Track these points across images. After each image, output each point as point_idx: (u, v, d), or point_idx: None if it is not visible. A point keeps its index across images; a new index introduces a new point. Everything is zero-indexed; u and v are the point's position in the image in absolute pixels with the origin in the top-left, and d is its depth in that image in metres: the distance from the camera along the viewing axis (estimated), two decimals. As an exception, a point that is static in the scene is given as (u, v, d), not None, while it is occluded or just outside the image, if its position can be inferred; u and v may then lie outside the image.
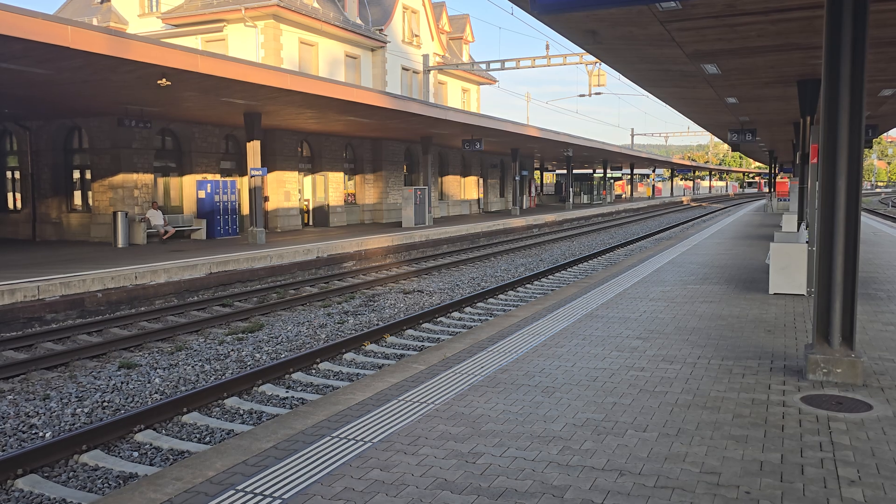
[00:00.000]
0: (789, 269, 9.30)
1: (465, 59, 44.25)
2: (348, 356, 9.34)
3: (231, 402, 7.46)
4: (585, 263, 19.81)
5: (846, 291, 5.36)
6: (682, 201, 66.65)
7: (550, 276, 17.20)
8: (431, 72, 38.91)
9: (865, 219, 30.14)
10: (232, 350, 9.60)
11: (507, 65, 34.37)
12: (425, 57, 37.86)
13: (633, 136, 73.54)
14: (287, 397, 7.67)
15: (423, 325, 11.34)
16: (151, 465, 5.86)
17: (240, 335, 10.45)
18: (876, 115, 21.56)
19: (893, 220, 37.71)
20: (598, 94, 32.33)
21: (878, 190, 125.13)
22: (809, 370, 5.45)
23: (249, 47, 28.69)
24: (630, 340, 6.98)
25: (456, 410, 4.94)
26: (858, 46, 5.21)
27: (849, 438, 4.23)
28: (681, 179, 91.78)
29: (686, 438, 4.28)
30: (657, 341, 6.92)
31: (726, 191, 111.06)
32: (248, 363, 9.05)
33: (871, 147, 26.86)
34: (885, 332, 7.21)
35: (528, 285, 15.78)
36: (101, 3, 33.99)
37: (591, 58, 26.28)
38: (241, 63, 14.71)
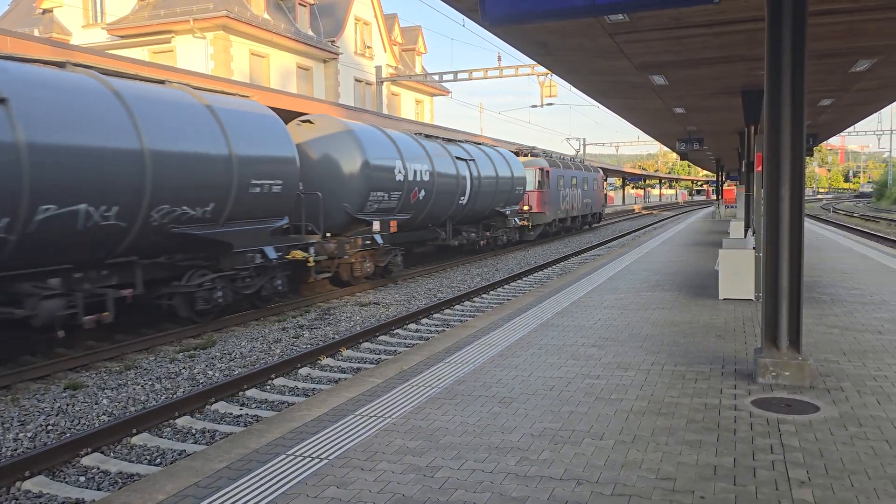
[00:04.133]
0: (738, 275, 9.51)
1: (419, 70, 44.37)
2: (304, 371, 9.21)
3: (183, 421, 7.27)
4: (540, 272, 19.97)
5: (792, 296, 5.50)
6: (633, 209, 67.88)
7: (506, 286, 17.28)
8: (385, 83, 38.90)
9: (809, 224, 31.10)
10: (183, 368, 9.38)
11: (459, 76, 34.56)
12: (378, 68, 37.85)
13: (584, 145, 74.61)
14: (241, 415, 7.51)
15: (380, 338, 11.26)
16: (99, 489, 5.67)
17: (191, 352, 10.22)
18: (816, 124, 22.30)
19: (835, 225, 39.00)
20: (550, 104, 32.72)
21: (819, 196, 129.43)
22: (759, 374, 5.57)
23: (198, 59, 28.28)
24: (585, 348, 7.04)
25: (413, 424, 4.90)
26: (798, 58, 5.37)
27: (798, 440, 4.33)
28: (632, 188, 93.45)
29: (642, 445, 4.32)
30: (612, 349, 6.99)
31: (676, 199, 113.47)
32: (201, 381, 8.85)
33: (812, 155, 27.88)
34: (829, 334, 7.42)
35: (484, 295, 15.83)
36: (44, 13, 33.13)
37: (543, 69, 26.43)
38: (186, 74, 14.47)
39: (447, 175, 19.78)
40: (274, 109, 13.93)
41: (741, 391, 5.38)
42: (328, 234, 15.36)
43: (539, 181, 29.26)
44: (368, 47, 38.20)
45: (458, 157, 20.83)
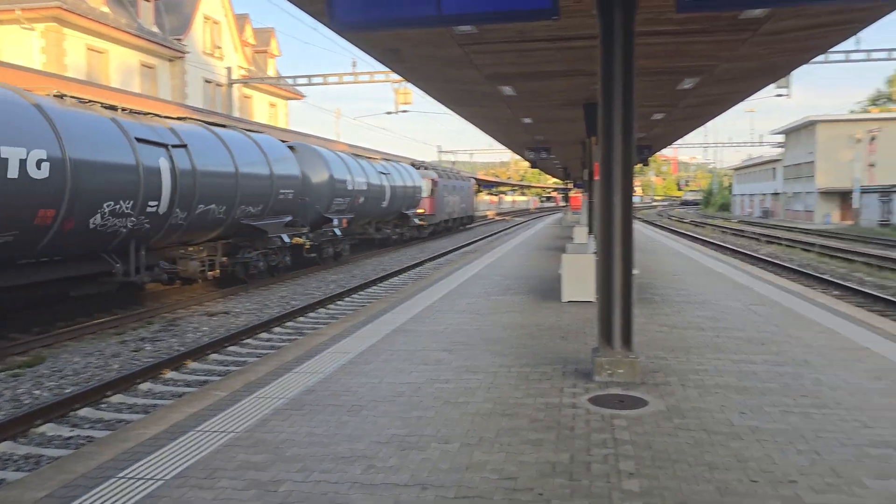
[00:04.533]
0: (579, 278, 10.02)
1: (272, 73, 43.27)
2: (144, 386, 8.68)
3: (3, 447, 6.63)
4: (396, 278, 20.07)
5: (624, 298, 5.86)
6: (487, 215, 69.94)
7: (362, 292, 17.22)
8: (236, 85, 37.62)
9: (645, 230, 33.40)
10: (6, 388, 8.56)
11: (314, 80, 34.10)
12: (228, 69, 36.54)
13: (439, 152, 75.98)
14: (72, 437, 6.96)
15: (229, 349, 10.85)
16: None
17: (16, 371, 9.35)
18: (650, 136, 23.99)
19: (668, 230, 42.13)
20: (405, 111, 33.04)
21: (654, 203, 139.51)
22: (596, 372, 5.89)
23: (27, 52, 25.98)
24: (436, 353, 7.13)
25: (258, 437, 4.75)
26: (628, 75, 5.74)
27: (629, 434, 4.61)
28: (486, 194, 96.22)
29: (486, 447, 4.43)
30: (462, 353, 7.13)
31: (528, 205, 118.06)
32: (26, 402, 8.10)
33: (647, 164, 30.05)
34: (659, 332, 7.98)
35: (339, 302, 15.68)
36: None
37: (398, 76, 26.79)
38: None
39: (376, 185, 26.44)
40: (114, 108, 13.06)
41: (580, 389, 5.66)
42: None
43: (431, 189, 35.57)
44: (218, 47, 36.76)
45: (381, 172, 27.65)
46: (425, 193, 34.45)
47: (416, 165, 36.97)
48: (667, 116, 18.24)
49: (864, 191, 47.29)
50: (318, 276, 20.57)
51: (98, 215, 11.77)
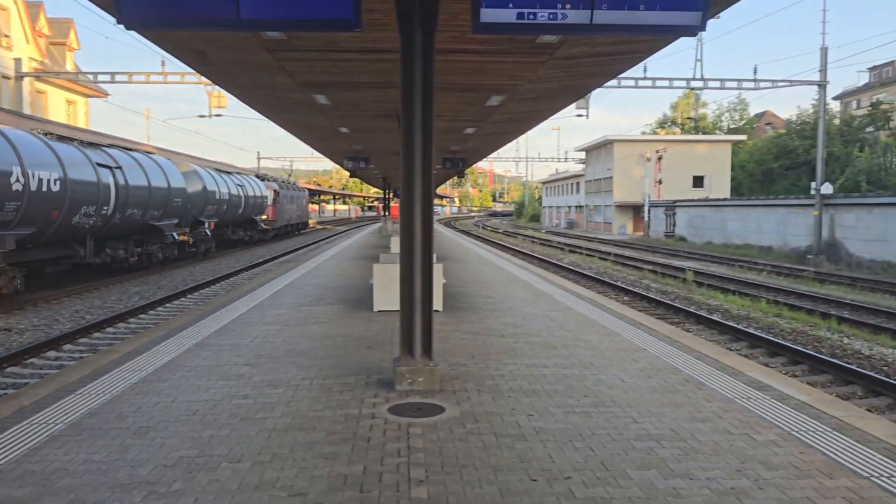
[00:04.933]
0: (389, 288, 10.12)
1: (70, 67, 39.71)
2: None
3: None
4: (207, 289, 19.16)
5: (424, 307, 6.00)
6: (308, 224, 68.95)
7: (168, 305, 16.25)
8: (26, 78, 34.10)
9: (460, 239, 34.55)
10: None
11: (118, 78, 31.73)
12: (17, 61, 33.04)
13: (259, 159, 73.76)
14: None
15: (8, 370, 9.78)
16: None
17: None
18: (464, 149, 24.87)
19: (482, 239, 43.89)
20: (219, 115, 31.68)
21: (472, 214, 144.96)
22: (397, 381, 5.97)
23: None
24: (238, 368, 6.88)
25: (26, 468, 4.30)
26: (428, 90, 5.90)
27: (423, 441, 4.72)
28: (307, 203, 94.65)
29: (279, 463, 4.33)
30: (265, 366, 6.93)
31: (349, 214, 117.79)
32: None
33: (463, 177, 31.13)
34: (463, 339, 8.27)
35: (142, 315, 14.68)
36: None
37: (211, 78, 25.60)
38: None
39: (235, 195, 32.34)
40: None
41: (380, 399, 5.71)
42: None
43: (274, 199, 41.23)
44: (6, 36, 33.12)
45: (237, 184, 33.08)
46: (270, 202, 40.05)
47: (261, 177, 42.47)
48: (478, 131, 19.00)
49: (653, 205, 52.24)
50: (120, 287, 19.12)
51: (77, 215, 17.52)
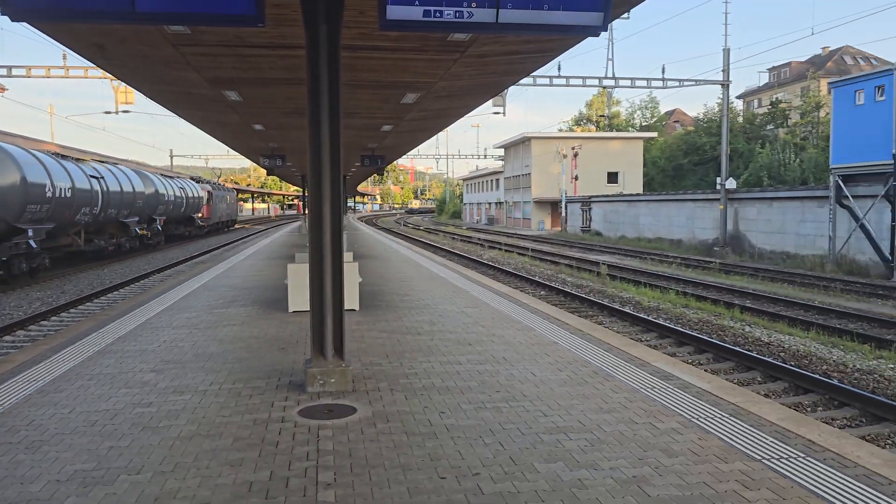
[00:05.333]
0: (304, 288, 9.90)
1: (-40, 58, 37.31)
2: None
3: None
4: (116, 293, 18.40)
5: (335, 307, 5.93)
6: (236, 221, 67.62)
7: (72, 310, 15.50)
8: None
9: (380, 237, 34.39)
10: None
11: (16, 71, 30.01)
12: None
13: (172, 157, 71.35)
14: None
15: None
16: None
17: None
18: (383, 147, 24.77)
19: (403, 237, 43.84)
20: (127, 111, 30.44)
21: (394, 211, 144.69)
22: (308, 383, 5.88)
23: None
24: (143, 374, 6.62)
25: None
26: (334, 87, 5.82)
27: (332, 444, 4.66)
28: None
29: (182, 473, 4.18)
30: (172, 372, 6.70)
31: (268, 213, 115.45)
32: None
33: (383, 174, 31.02)
34: (379, 338, 8.22)
35: (43, 322, 13.95)
36: None
37: (117, 72, 24.57)
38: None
39: (180, 196, 37.37)
40: None
41: (291, 402, 5.60)
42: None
43: (207, 199, 46.05)
44: None
45: (180, 186, 38.17)
46: (204, 202, 44.87)
47: (196, 180, 48.42)
48: (395, 128, 18.96)
49: (570, 201, 53.44)
50: (20, 292, 18.11)
51: (79, 214, 23.18)
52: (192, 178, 47.17)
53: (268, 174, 36.41)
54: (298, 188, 65.62)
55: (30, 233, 19.24)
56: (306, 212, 45.47)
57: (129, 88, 29.47)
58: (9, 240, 18.56)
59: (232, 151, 35.67)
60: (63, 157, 24.15)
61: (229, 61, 10.52)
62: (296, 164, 31.81)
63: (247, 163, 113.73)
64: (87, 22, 7.65)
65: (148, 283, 20.12)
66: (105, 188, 25.29)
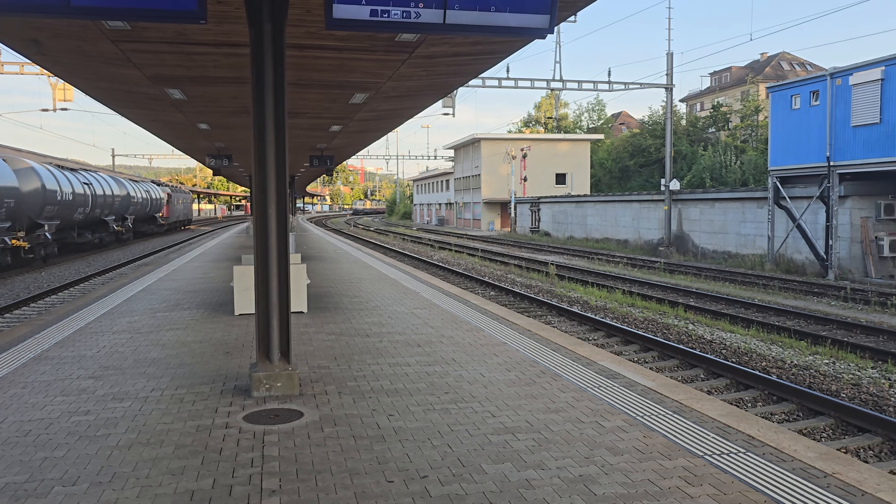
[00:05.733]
0: (250, 290, 9.78)
1: None
2: None
3: None
4: (54, 296, 17.80)
5: (282, 310, 5.84)
6: (191, 220, 67.11)
7: (6, 315, 14.93)
8: None
9: (330, 238, 34.09)
10: None
11: (-56, 66, 28.77)
12: None
13: (114, 156, 69.47)
14: None
15: None
16: None
17: None
18: (332, 147, 24.54)
19: (353, 238, 43.54)
20: (66, 109, 29.45)
21: (343, 211, 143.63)
22: (254, 388, 5.77)
23: None
24: (81, 381, 6.40)
25: None
26: (279, 86, 5.73)
27: (278, 449, 4.57)
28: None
29: (120, 483, 4.05)
30: (112, 378, 6.49)
31: (215, 213, 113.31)
32: None
33: (331, 175, 30.78)
34: (327, 341, 8.13)
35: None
36: None
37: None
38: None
39: (145, 198, 42.71)
40: None
41: (236, 408, 5.49)
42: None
43: (168, 200, 51.79)
44: None
45: (145, 189, 43.46)
46: (165, 203, 50.44)
47: (158, 183, 55.47)
48: (344, 128, 18.80)
49: (519, 202, 53.89)
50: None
51: (76, 213, 28.45)
52: (153, 182, 53.90)
53: (214, 174, 35.65)
54: (246, 188, 64.68)
55: (46, 227, 25.02)
56: (252, 213, 44.92)
57: (68, 85, 28.57)
58: (32, 232, 24.34)
59: (177, 151, 35.05)
60: (63, 168, 29.64)
61: (172, 59, 10.27)
62: (243, 165, 31.28)
63: (192, 163, 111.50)
64: (20, 15, 7.35)
65: (88, 288, 19.52)
66: (94, 192, 30.81)
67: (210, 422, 5.15)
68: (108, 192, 33.32)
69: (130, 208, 38.25)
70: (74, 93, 30.26)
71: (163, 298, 11.97)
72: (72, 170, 30.13)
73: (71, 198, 27.21)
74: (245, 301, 9.92)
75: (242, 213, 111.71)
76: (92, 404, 5.66)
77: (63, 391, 6.07)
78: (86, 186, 29.54)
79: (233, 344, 8.04)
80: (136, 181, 45.44)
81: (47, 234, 24.85)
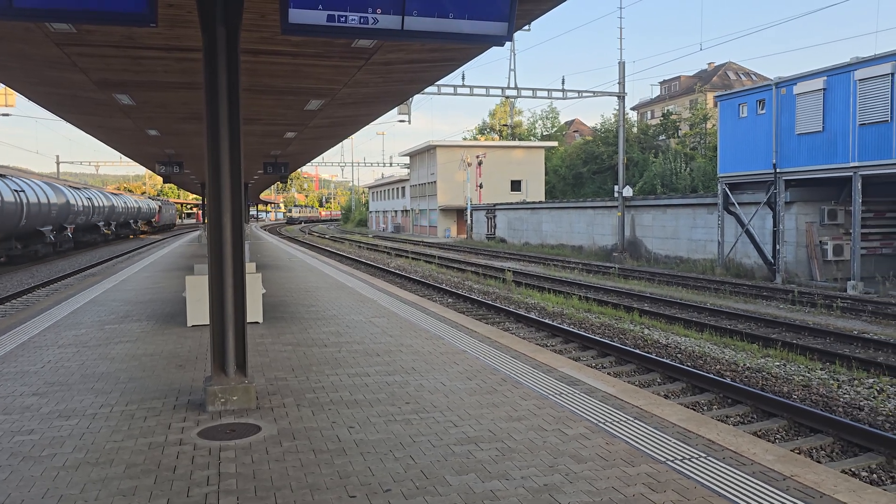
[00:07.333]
0: (204, 301, 9.53)
1: None
2: None
3: None
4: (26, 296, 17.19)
5: (237, 321, 5.68)
6: (175, 224, 68.13)
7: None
8: None
9: (285, 246, 33.65)
10: None
11: None
12: None
13: (58, 163, 67.49)
14: None
15: None
16: None
17: None
18: (287, 154, 24.25)
19: (308, 245, 43.06)
20: (7, 115, 28.48)
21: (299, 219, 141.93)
22: (209, 402, 5.59)
23: None
24: (24, 398, 6.12)
25: None
26: (233, 91, 5.59)
27: (235, 465, 4.43)
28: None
29: (67, 506, 3.86)
30: (57, 395, 6.23)
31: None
32: None
33: (286, 182, 30.40)
34: (283, 352, 7.96)
35: None
36: None
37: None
38: None
39: (145, 208, 61.84)
40: None
41: (190, 423, 5.31)
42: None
43: (159, 209, 65.49)
44: None
45: (142, 204, 60.56)
46: (157, 212, 66.09)
47: (152, 199, 69.82)
48: (299, 135, 18.59)
49: (475, 208, 54.07)
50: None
51: (65, 222, 35.44)
52: (149, 198, 72.24)
53: (164, 182, 34.88)
54: (198, 196, 63.53)
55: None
56: (206, 221, 44.05)
57: (10, 90, 27.63)
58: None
59: (125, 158, 34.12)
60: (77, 187, 38.15)
61: (119, 63, 9.99)
62: (194, 172, 30.69)
63: (141, 170, 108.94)
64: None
65: (32, 300, 18.84)
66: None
67: (163, 438, 4.97)
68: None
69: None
70: (17, 98, 29.28)
71: (111, 310, 11.61)
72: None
73: (94, 207, 32.91)
74: (198, 312, 9.67)
75: (194, 221, 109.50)
76: (36, 423, 5.41)
77: (4, 409, 5.80)
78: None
79: (186, 356, 7.81)
80: (134, 197, 56.94)
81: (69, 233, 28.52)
